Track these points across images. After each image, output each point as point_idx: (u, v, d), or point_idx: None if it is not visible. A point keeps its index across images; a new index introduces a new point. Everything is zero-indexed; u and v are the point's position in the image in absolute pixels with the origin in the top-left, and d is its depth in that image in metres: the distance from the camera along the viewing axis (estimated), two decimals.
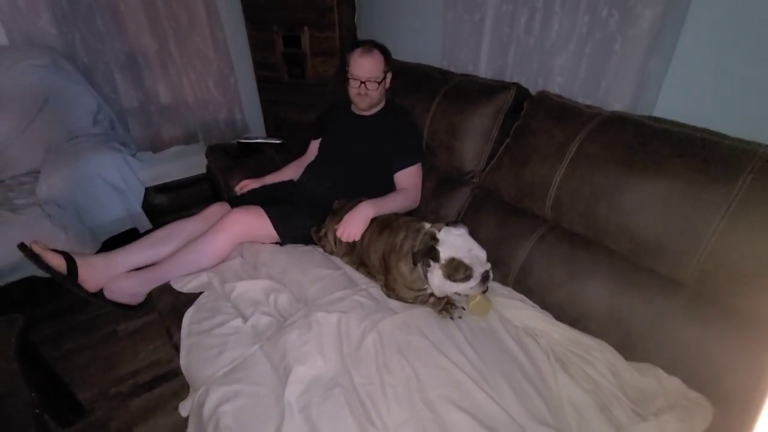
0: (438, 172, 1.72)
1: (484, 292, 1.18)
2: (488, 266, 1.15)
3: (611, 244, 1.16)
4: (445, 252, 1.14)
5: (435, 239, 1.17)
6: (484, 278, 1.14)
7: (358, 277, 1.42)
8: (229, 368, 1.05)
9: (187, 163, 2.54)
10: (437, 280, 1.16)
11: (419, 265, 1.18)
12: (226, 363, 1.06)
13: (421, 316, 1.18)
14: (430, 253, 1.14)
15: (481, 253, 1.14)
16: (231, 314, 1.22)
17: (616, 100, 1.33)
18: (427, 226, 1.23)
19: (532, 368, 1.04)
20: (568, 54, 1.43)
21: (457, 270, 1.12)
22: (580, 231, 1.23)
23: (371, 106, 1.64)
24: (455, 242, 1.15)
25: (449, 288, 1.15)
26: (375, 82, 1.58)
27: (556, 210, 1.26)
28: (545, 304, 1.24)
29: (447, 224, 1.22)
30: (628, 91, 1.30)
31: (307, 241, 1.59)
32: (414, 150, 1.63)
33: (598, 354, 1.09)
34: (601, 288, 1.14)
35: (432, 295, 1.23)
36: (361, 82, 1.58)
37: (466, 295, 1.21)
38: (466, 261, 1.12)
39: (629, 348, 1.09)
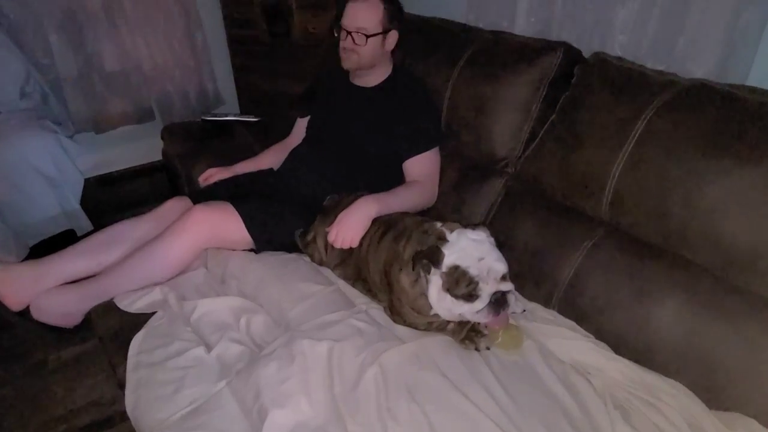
0: (461, 159, 1.71)
1: (496, 324, 1.14)
2: (507, 286, 1.12)
3: (688, 254, 1.14)
4: (450, 257, 1.13)
5: (443, 239, 1.16)
6: (497, 302, 1.11)
7: (356, 294, 1.41)
8: (188, 410, 1.05)
9: (138, 148, 2.55)
10: (435, 292, 1.15)
11: (421, 273, 1.17)
12: (184, 404, 1.06)
13: (437, 346, 1.17)
14: (432, 254, 1.13)
15: (498, 266, 1.11)
16: (191, 341, 1.22)
17: (697, 65, 1.32)
18: (438, 225, 1.22)
19: (583, 417, 1.02)
20: (633, 4, 1.42)
21: (458, 282, 1.10)
22: (647, 237, 1.21)
23: (359, 68, 1.64)
24: (466, 247, 1.13)
25: (449, 306, 1.13)
26: (365, 35, 1.56)
27: (616, 209, 1.24)
28: (601, 333, 1.22)
29: (465, 226, 1.21)
30: (713, 53, 1.29)
31: (290, 247, 1.59)
32: (429, 131, 1.63)
33: (671, 399, 1.07)
34: (675, 312, 1.12)
35: (450, 321, 1.21)
36: (348, 33, 1.57)
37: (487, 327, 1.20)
38: (472, 272, 1.09)
39: (713, 392, 1.07)
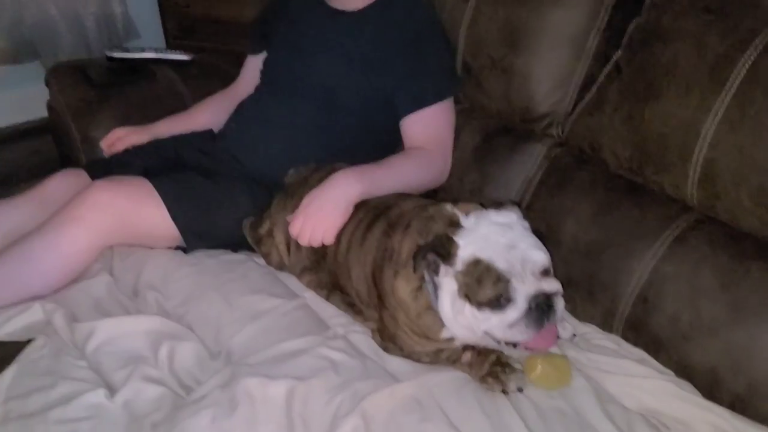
0: (484, 117, 1.69)
1: (540, 344, 1.13)
2: (553, 285, 1.11)
3: None
4: (466, 248, 1.12)
5: (456, 226, 1.16)
6: (540, 309, 1.09)
7: (331, 312, 1.40)
8: None
9: (13, 100, 2.54)
10: (448, 302, 1.14)
11: (426, 276, 1.16)
12: None
13: (447, 386, 1.17)
14: (440, 246, 1.13)
15: (536, 256, 1.11)
16: (85, 381, 1.20)
17: None
18: (449, 207, 1.22)
19: None
20: None
21: (481, 282, 1.09)
22: (752, 229, 1.21)
23: None
24: (489, 234, 1.13)
25: (470, 321, 1.12)
26: None
27: (708, 188, 1.24)
28: (685, 368, 1.22)
29: (486, 206, 1.21)
30: None
31: (236, 244, 1.59)
32: (438, 75, 1.62)
33: None
34: None
35: (466, 348, 1.22)
36: None
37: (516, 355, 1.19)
38: (500, 266, 1.09)
39: None
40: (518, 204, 1.25)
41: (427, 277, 1.17)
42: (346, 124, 1.65)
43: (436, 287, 1.15)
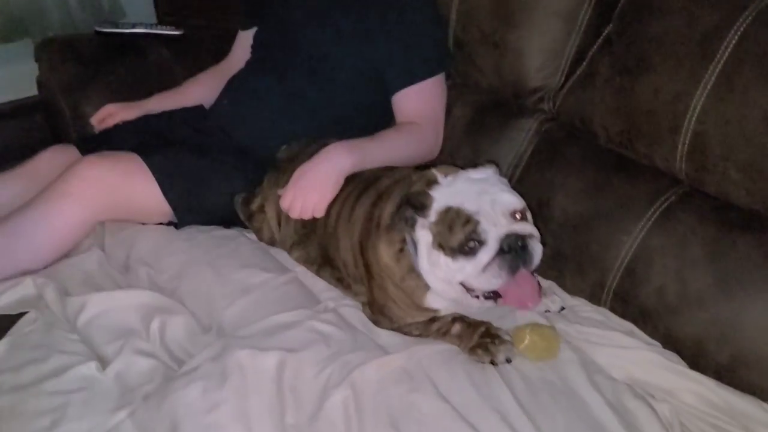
0: (476, 91, 1.69)
1: (517, 296, 1.12)
2: (527, 228, 1.11)
3: None
4: (440, 200, 1.13)
5: (434, 183, 1.17)
6: (513, 252, 1.08)
7: (321, 287, 1.41)
8: None
9: (3, 78, 2.49)
10: (425, 255, 1.15)
11: (406, 236, 1.17)
12: None
13: (436, 358, 1.18)
14: (416, 199, 1.14)
15: (506, 198, 1.12)
16: (77, 354, 1.21)
17: None
18: (430, 171, 1.23)
19: None
20: None
21: (452, 228, 1.10)
22: (739, 201, 1.21)
23: None
24: (463, 187, 1.14)
25: (446, 272, 1.13)
26: None
27: (696, 160, 1.24)
28: (671, 340, 1.24)
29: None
30: None
31: (227, 220, 1.59)
32: (429, 49, 1.62)
33: None
34: None
35: (456, 320, 1.23)
36: None
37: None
38: (469, 208, 1.09)
39: None
40: (496, 163, 1.25)
41: (407, 237, 1.18)
42: (338, 98, 1.65)
43: (415, 245, 1.16)
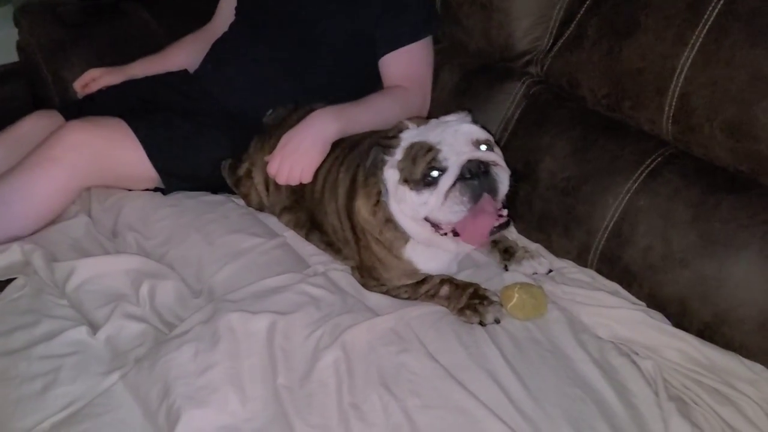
0: (463, 54, 1.68)
1: (497, 228, 1.11)
2: (490, 155, 1.11)
3: None
4: (407, 140, 1.15)
5: (405, 129, 1.19)
6: (476, 178, 1.07)
7: (310, 251, 1.41)
8: (64, 416, 1.04)
9: None
10: (393, 195, 1.16)
11: (381, 186, 1.18)
12: (58, 407, 1.05)
13: (425, 319, 1.19)
14: (384, 140, 1.15)
15: (468, 128, 1.13)
16: (67, 319, 1.21)
17: None
18: (405, 121, 1.25)
19: (625, 411, 1.05)
20: None
21: (415, 160, 1.11)
22: (723, 162, 1.22)
23: None
24: (431, 126, 1.16)
25: (412, 208, 1.14)
26: None
27: (682, 122, 1.25)
28: (656, 299, 1.25)
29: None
30: None
31: (215, 185, 1.58)
32: (415, 13, 1.60)
33: (748, 387, 1.10)
34: (759, 268, 1.14)
35: (444, 281, 1.24)
36: None
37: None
38: (431, 139, 1.11)
39: None
40: (469, 110, 1.26)
41: (383, 187, 1.19)
42: (325, 62, 1.64)
43: (386, 189, 1.18)
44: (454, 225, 1.13)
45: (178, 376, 1.06)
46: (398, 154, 1.15)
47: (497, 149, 1.17)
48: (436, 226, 1.15)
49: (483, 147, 1.13)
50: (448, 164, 1.09)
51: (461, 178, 1.08)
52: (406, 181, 1.13)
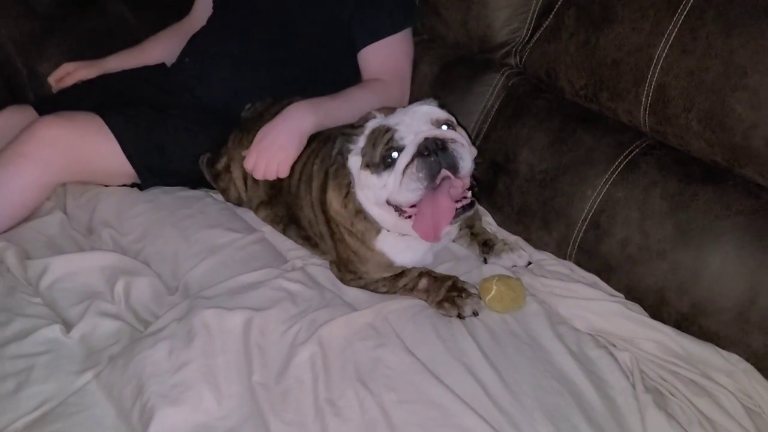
0: (441, 47, 1.68)
1: (462, 210, 1.10)
2: (449, 133, 1.10)
3: (756, 173, 1.16)
4: (369, 127, 1.16)
5: (372, 118, 1.20)
6: (433, 156, 1.06)
7: (289, 245, 1.41)
8: (37, 416, 1.03)
9: None
10: (357, 181, 1.17)
11: (350, 177, 1.18)
12: (30, 407, 1.05)
13: (403, 313, 1.19)
14: (348, 129, 1.16)
15: (428, 108, 1.14)
16: (40, 317, 1.20)
17: None
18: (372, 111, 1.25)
19: (602, 404, 1.05)
20: None
21: (375, 143, 1.12)
22: (700, 152, 1.23)
23: None
24: (395, 113, 1.17)
25: (375, 193, 1.14)
26: None
27: (659, 113, 1.25)
28: (633, 291, 1.26)
29: None
30: None
31: (193, 180, 1.58)
32: (394, 5, 1.60)
33: (725, 378, 1.11)
34: (735, 258, 1.15)
35: (423, 274, 1.24)
36: None
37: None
38: (389, 122, 1.12)
39: None
40: (438, 98, 1.26)
41: (351, 178, 1.19)
42: (303, 56, 1.63)
43: (352, 177, 1.19)
44: (415, 207, 1.12)
45: (152, 374, 1.06)
46: (361, 141, 1.15)
47: (460, 129, 1.17)
48: (400, 210, 1.14)
49: (444, 127, 1.12)
50: (406, 143, 1.09)
51: (418, 155, 1.07)
52: (367, 165, 1.13)
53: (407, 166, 1.07)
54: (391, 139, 1.09)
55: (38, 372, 1.10)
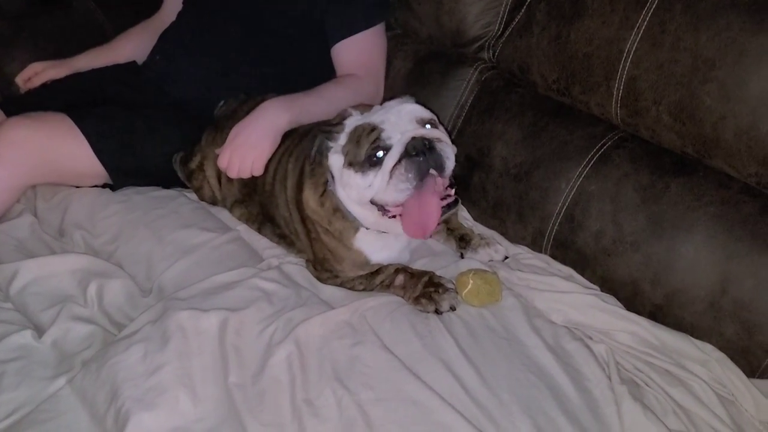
0: (415, 42, 1.68)
1: (447, 208, 1.11)
2: (434, 132, 1.12)
3: (727, 167, 1.17)
4: (351, 125, 1.16)
5: (349, 116, 1.20)
6: (421, 156, 1.07)
7: (264, 244, 1.41)
8: (9, 423, 1.02)
9: None
10: (338, 180, 1.16)
11: (328, 175, 1.18)
12: (2, 414, 1.04)
13: (380, 310, 1.19)
14: (327, 126, 1.16)
15: (412, 107, 1.14)
16: (11, 323, 1.19)
17: None
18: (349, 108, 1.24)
19: (578, 396, 1.06)
20: None
21: (359, 142, 1.12)
22: (671, 144, 1.24)
23: None
24: (375, 110, 1.17)
25: (358, 192, 1.14)
26: None
27: (630, 105, 1.26)
28: (608, 282, 1.27)
29: None
30: None
31: (166, 180, 1.57)
32: (367, 0, 1.59)
33: (699, 368, 1.12)
34: (707, 249, 1.17)
35: (399, 271, 1.24)
36: None
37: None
38: (374, 120, 1.12)
39: (755, 355, 1.12)
40: (413, 94, 1.26)
41: (329, 176, 1.19)
42: (276, 51, 1.62)
43: (332, 177, 1.18)
44: (400, 207, 1.12)
45: (126, 378, 1.05)
46: (342, 138, 1.14)
47: (441, 128, 1.17)
48: (383, 210, 1.14)
49: (427, 126, 1.13)
50: (392, 142, 1.08)
51: (406, 155, 1.07)
52: (351, 164, 1.12)
53: (395, 166, 1.07)
54: (378, 138, 1.08)
55: (9, 379, 1.08)
